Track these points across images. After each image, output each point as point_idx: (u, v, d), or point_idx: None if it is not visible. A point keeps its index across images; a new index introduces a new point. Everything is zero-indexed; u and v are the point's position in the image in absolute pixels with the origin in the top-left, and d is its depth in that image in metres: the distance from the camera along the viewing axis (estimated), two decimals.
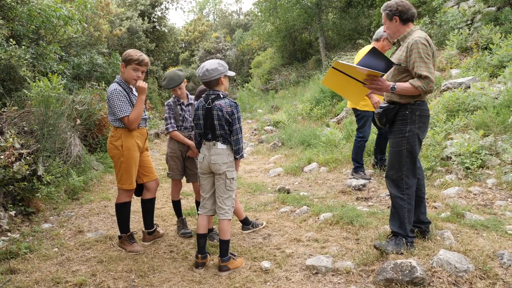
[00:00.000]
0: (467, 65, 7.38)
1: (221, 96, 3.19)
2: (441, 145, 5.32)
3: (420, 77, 2.91)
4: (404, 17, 3.11)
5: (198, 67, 3.22)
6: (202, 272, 3.20)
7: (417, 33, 3.05)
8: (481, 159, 4.75)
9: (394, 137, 3.15)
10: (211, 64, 3.15)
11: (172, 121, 4.00)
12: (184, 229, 4.10)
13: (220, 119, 3.13)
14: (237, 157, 3.26)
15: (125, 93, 3.46)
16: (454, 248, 3.00)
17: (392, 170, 3.18)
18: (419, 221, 3.27)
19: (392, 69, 3.14)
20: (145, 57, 3.50)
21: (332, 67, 2.93)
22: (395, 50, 3.23)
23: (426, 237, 3.28)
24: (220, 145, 3.19)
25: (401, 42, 3.13)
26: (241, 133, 3.22)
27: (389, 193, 3.29)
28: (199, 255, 3.25)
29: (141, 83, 3.49)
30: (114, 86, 3.46)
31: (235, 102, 3.21)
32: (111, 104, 3.42)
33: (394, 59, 3.12)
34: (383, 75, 2.95)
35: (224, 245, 3.20)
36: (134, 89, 3.64)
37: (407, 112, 3.07)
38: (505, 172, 4.49)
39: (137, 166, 3.63)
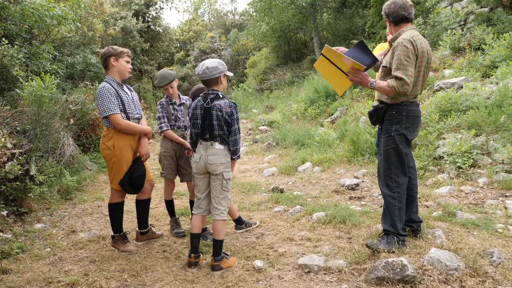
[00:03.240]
0: (460, 65, 7.44)
1: (220, 96, 3.18)
2: (434, 145, 5.36)
3: (396, 78, 2.94)
4: (393, 18, 3.13)
5: (198, 65, 3.21)
6: (195, 272, 3.20)
7: (405, 34, 3.05)
8: (472, 159, 4.79)
9: (383, 136, 3.22)
10: (211, 62, 3.14)
11: (165, 120, 4.01)
12: (178, 229, 4.10)
13: (220, 119, 3.12)
14: (234, 157, 3.26)
15: (114, 90, 3.45)
16: (445, 247, 3.03)
17: (382, 169, 3.23)
18: (410, 220, 3.30)
19: (380, 71, 3.21)
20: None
21: (322, 54, 2.98)
22: (387, 52, 3.25)
23: (418, 235, 3.31)
24: (218, 146, 3.18)
25: (392, 44, 3.15)
26: (239, 133, 3.23)
27: (380, 192, 3.32)
28: (192, 255, 3.25)
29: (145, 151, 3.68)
30: (102, 84, 3.47)
31: (234, 103, 3.20)
32: (98, 103, 3.43)
33: (384, 60, 3.17)
34: (366, 69, 3.04)
35: (217, 245, 3.21)
36: (125, 87, 3.64)
37: (394, 112, 3.12)
38: (496, 172, 4.53)
39: (130, 166, 3.61)
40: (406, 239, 3.19)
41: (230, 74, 3.32)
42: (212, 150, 3.18)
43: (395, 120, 3.12)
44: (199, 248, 3.39)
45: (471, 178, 4.64)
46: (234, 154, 3.24)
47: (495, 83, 6.19)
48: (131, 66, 3.66)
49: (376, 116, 3.22)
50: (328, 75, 3.27)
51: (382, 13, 3.24)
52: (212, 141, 3.18)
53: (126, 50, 3.59)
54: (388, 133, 3.15)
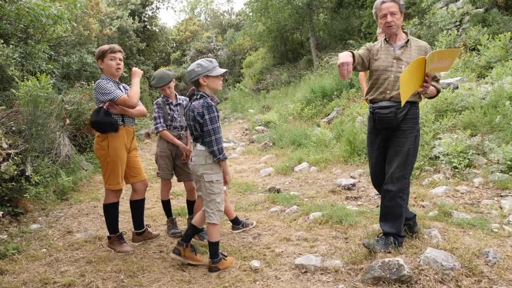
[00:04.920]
0: (456, 65, 7.47)
1: (199, 96, 3.11)
2: (430, 145, 5.38)
3: (438, 80, 3.00)
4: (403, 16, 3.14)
5: None
6: (192, 272, 3.20)
7: (413, 37, 3.14)
8: (468, 159, 4.82)
9: (404, 136, 3.07)
10: (191, 65, 3.10)
11: (162, 120, 4.01)
12: (174, 229, 4.10)
13: (193, 119, 3.09)
14: (215, 159, 3.11)
15: (112, 83, 3.46)
16: (441, 246, 3.04)
17: (397, 169, 3.09)
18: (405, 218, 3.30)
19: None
20: (116, 44, 3.53)
21: (426, 60, 2.69)
22: (402, 50, 3.08)
23: (416, 230, 3.33)
24: (199, 146, 3.15)
25: (410, 43, 3.09)
26: (216, 134, 3.04)
27: (384, 193, 3.17)
28: (179, 241, 3.29)
29: (135, 68, 3.59)
30: (99, 80, 3.47)
31: (209, 103, 3.04)
32: (102, 94, 3.38)
33: (412, 59, 3.01)
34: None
35: (212, 247, 3.19)
36: (121, 85, 3.63)
37: (417, 110, 3.10)
38: (492, 172, 4.56)
39: (124, 166, 3.61)
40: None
41: (216, 73, 3.10)
42: (195, 151, 3.18)
43: (418, 118, 3.10)
44: (197, 248, 3.38)
45: (467, 178, 4.66)
46: (214, 155, 3.08)
47: (490, 84, 6.22)
48: (118, 62, 3.52)
49: (396, 116, 3.04)
50: (408, 84, 2.84)
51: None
52: (195, 142, 3.18)
53: (107, 47, 3.47)
54: (413, 132, 3.08)
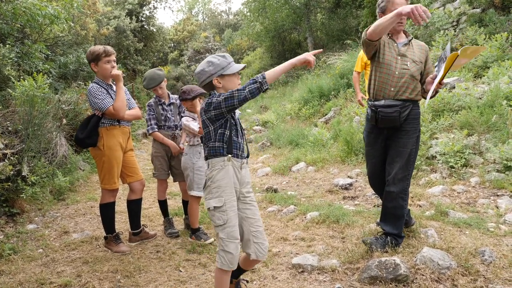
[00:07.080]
0: None
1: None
2: (427, 145, 5.39)
3: None
4: None
5: None
6: (189, 272, 3.19)
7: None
8: (465, 158, 4.83)
9: (407, 136, 3.04)
10: (200, 65, 2.43)
11: (153, 122, 4.04)
12: (171, 229, 4.09)
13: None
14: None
15: (104, 89, 3.45)
16: (438, 246, 3.05)
17: (399, 170, 3.06)
18: None
19: (418, 68, 3.06)
20: (108, 46, 3.50)
21: (458, 54, 2.61)
22: (406, 47, 3.07)
23: (412, 224, 3.35)
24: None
25: (411, 42, 3.10)
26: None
27: (386, 194, 3.14)
28: None
29: (115, 71, 3.49)
30: (91, 85, 3.47)
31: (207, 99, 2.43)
32: (92, 102, 3.41)
33: (416, 57, 3.05)
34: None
35: None
36: (114, 86, 3.62)
37: (419, 110, 3.08)
38: (488, 171, 4.57)
39: (120, 165, 3.60)
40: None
41: (231, 71, 2.41)
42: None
43: (419, 118, 3.08)
44: (194, 248, 3.37)
45: (463, 177, 4.67)
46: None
47: (487, 84, 6.24)
48: (113, 65, 3.49)
49: (400, 115, 2.99)
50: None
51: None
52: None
53: (102, 50, 3.42)
54: (416, 133, 3.06)
